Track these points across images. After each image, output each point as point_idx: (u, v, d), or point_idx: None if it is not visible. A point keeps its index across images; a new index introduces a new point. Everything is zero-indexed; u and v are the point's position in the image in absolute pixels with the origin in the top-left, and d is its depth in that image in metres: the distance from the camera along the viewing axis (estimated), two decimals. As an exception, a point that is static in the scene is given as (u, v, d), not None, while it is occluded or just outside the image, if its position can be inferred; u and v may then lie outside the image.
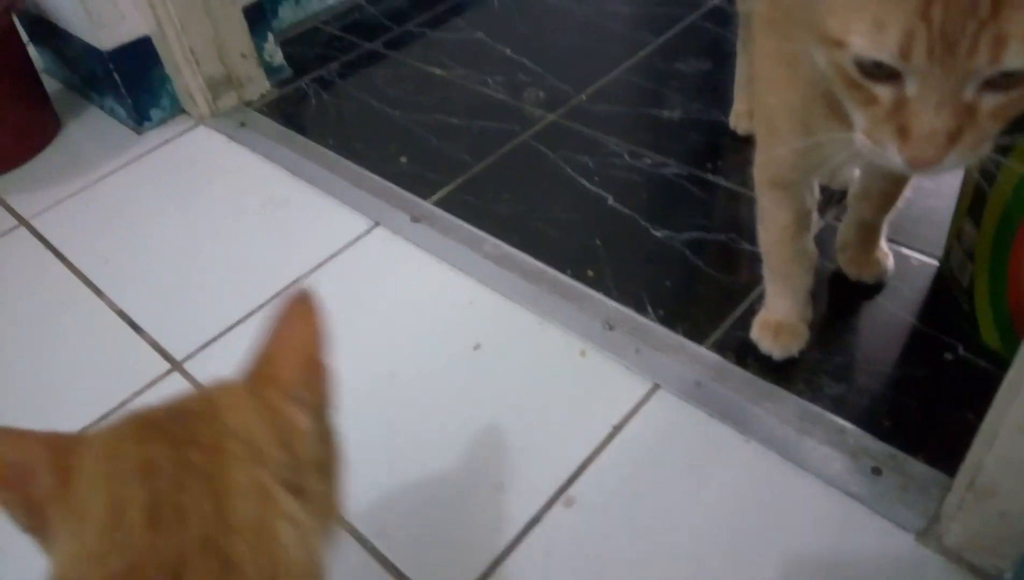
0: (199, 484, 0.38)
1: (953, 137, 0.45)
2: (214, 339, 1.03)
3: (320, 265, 1.11)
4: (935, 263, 0.96)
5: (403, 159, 1.29)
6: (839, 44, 0.47)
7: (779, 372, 0.87)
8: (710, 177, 1.17)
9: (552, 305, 1.00)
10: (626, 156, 1.23)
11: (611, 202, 1.16)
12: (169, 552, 0.36)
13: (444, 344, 0.97)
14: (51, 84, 1.52)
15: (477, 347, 0.96)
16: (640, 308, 0.98)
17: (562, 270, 1.05)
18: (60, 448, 0.40)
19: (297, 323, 0.50)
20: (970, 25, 0.41)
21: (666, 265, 1.05)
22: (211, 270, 1.13)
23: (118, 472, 0.39)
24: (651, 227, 1.11)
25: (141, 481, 0.38)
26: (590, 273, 1.05)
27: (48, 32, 1.44)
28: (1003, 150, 0.75)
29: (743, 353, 0.90)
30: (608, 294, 1.01)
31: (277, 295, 1.07)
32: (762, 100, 0.69)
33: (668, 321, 0.96)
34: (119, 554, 0.36)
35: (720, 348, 0.91)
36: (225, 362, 1.03)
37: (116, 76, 1.32)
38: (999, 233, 0.78)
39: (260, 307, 1.06)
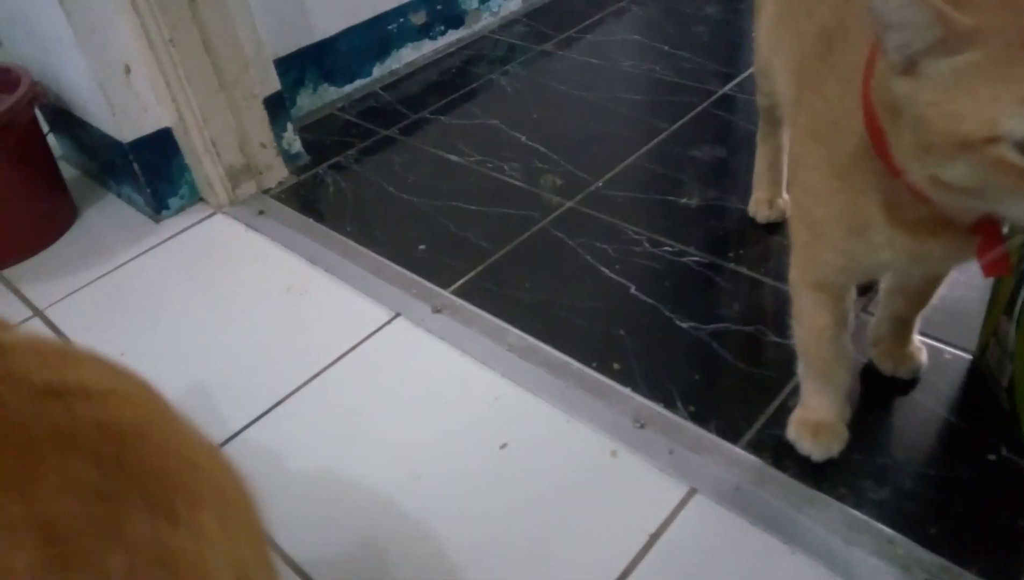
0: None
1: None
2: (234, 435, 1.00)
3: (341, 358, 1.09)
4: (968, 356, 0.95)
5: (422, 246, 1.29)
6: (990, 140, 0.46)
7: (819, 475, 0.85)
8: (732, 266, 1.16)
9: (579, 401, 0.97)
10: (646, 243, 1.23)
11: (633, 291, 1.15)
12: None
13: (470, 443, 0.95)
14: (68, 171, 1.54)
15: (504, 447, 0.93)
16: (670, 404, 0.96)
17: (587, 363, 1.03)
18: None
19: None
20: None
21: (694, 358, 1.03)
22: (230, 364, 1.11)
23: None
24: (676, 317, 1.10)
25: None
26: (616, 366, 1.03)
27: (68, 122, 1.46)
28: (1042, 252, 0.74)
29: (780, 454, 0.87)
30: (636, 389, 0.99)
31: (298, 390, 1.05)
32: (806, 208, 0.69)
33: (700, 418, 0.94)
34: None
35: (756, 448, 0.89)
36: (246, 458, 1.03)
37: (135, 166, 1.33)
38: (1041, 334, 0.77)
39: (281, 402, 1.04)
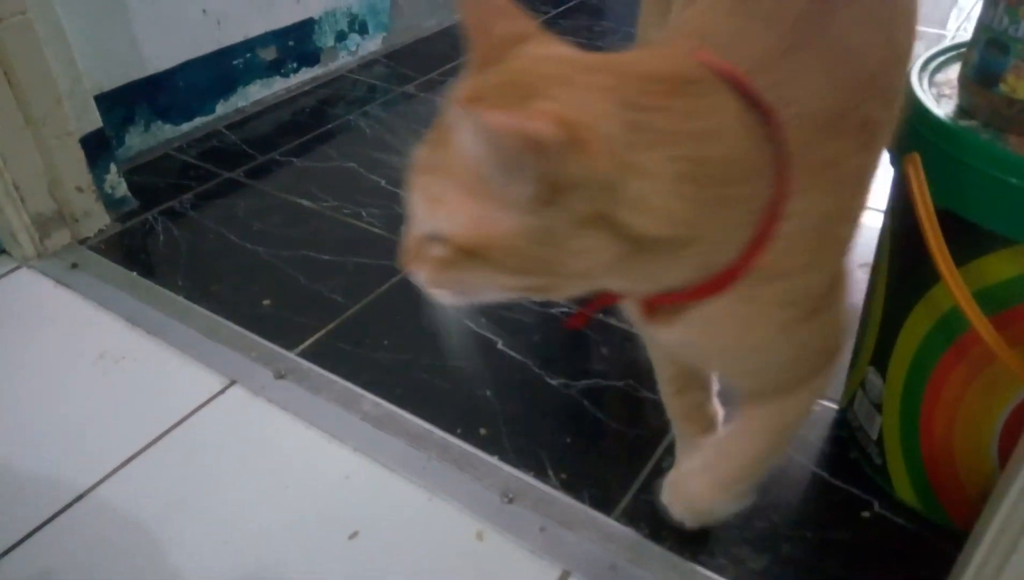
0: None
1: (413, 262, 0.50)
2: (26, 537, 0.82)
3: (163, 434, 0.94)
4: (834, 407, 0.94)
5: (266, 302, 1.16)
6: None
7: (696, 544, 0.79)
8: (600, 317, 1.11)
9: (442, 476, 0.88)
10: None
11: (501, 346, 1.07)
12: None
13: (316, 532, 0.82)
14: None
15: (355, 535, 0.81)
16: (541, 473, 0.88)
17: (452, 430, 0.94)
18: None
19: None
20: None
21: (565, 418, 0.97)
22: (33, 443, 0.93)
23: None
24: (545, 374, 1.03)
25: None
26: (483, 431, 0.94)
27: None
28: (906, 301, 0.73)
29: (657, 523, 0.81)
30: (504, 457, 0.90)
31: (110, 475, 0.89)
32: None
33: (572, 487, 0.86)
34: None
35: (631, 518, 0.82)
36: (47, 561, 0.84)
37: (-85, 213, 1.12)
38: (908, 386, 0.76)
39: (89, 491, 0.87)
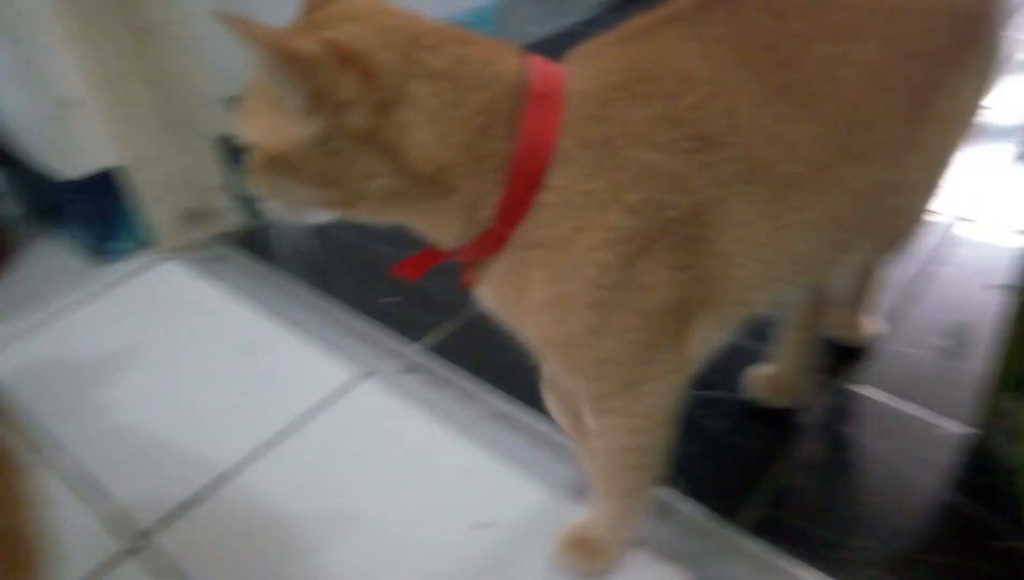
0: None
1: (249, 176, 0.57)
2: (188, 506, 0.90)
3: (303, 421, 1.01)
4: (965, 431, 0.92)
5: (391, 298, 1.22)
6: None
7: (824, 561, 0.80)
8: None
9: (562, 475, 0.91)
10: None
11: (615, 352, 1.09)
12: None
13: (444, 521, 0.87)
14: (4, 208, 1.42)
15: (480, 526, 0.86)
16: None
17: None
18: None
19: None
20: None
21: (682, 426, 0.98)
22: (185, 424, 1.01)
23: None
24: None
25: None
26: (600, 435, 0.97)
27: (5, 159, 1.34)
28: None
29: (780, 537, 0.82)
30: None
31: (254, 456, 0.96)
32: None
33: (692, 496, 0.88)
34: None
35: (755, 530, 0.83)
36: (197, 535, 0.92)
37: (77, 206, 1.23)
38: (1053, 417, 0.74)
39: (234, 469, 0.94)
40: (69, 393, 1.08)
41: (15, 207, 1.46)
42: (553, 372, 0.80)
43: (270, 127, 0.53)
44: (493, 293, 0.63)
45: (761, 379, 0.98)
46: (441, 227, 0.59)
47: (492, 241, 0.58)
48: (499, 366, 1.07)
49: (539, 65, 0.56)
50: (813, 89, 0.59)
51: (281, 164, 0.54)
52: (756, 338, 1.08)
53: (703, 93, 0.57)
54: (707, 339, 0.66)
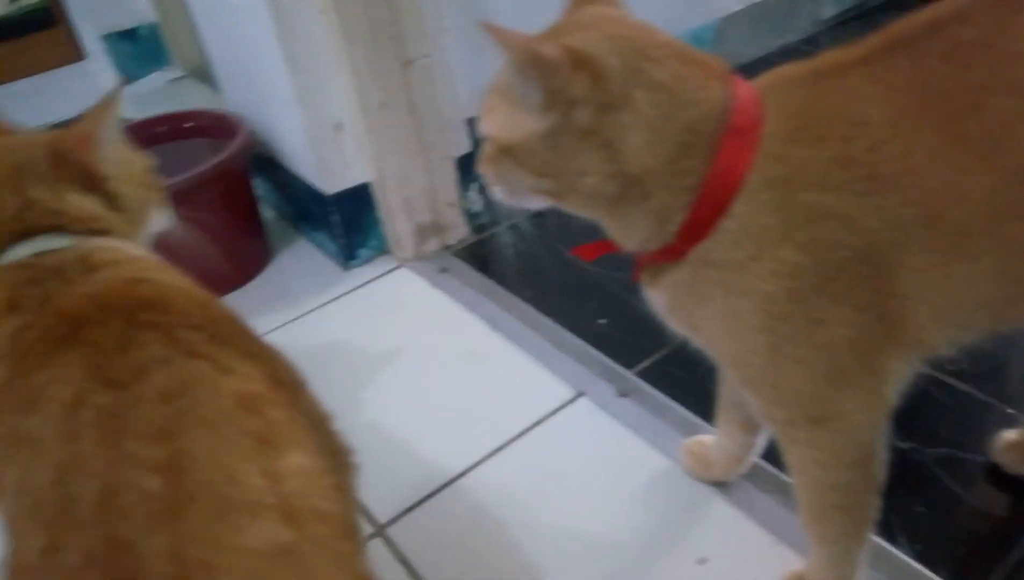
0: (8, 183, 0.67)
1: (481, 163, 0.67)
2: (417, 504, 0.99)
3: (521, 434, 1.07)
4: None
5: (602, 320, 1.26)
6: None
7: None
8: (950, 380, 1.05)
9: (785, 521, 0.90)
10: (851, 342, 1.14)
11: (839, 396, 1.06)
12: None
13: (665, 551, 0.89)
14: (265, 212, 1.62)
15: (702, 561, 0.87)
16: (891, 539, 0.86)
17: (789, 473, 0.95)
18: None
19: (94, 112, 0.69)
20: None
21: (916, 484, 0.93)
22: (416, 424, 1.11)
23: None
24: (893, 433, 0.99)
25: None
26: (822, 481, 0.94)
27: (273, 169, 1.54)
28: None
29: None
30: (848, 512, 0.90)
31: (481, 462, 1.03)
32: None
33: (928, 560, 0.83)
34: None
35: (1000, 606, 0.78)
36: (429, 530, 1.01)
37: (333, 217, 1.38)
38: None
39: (462, 474, 1.02)
40: (314, 384, 1.21)
41: (275, 210, 1.66)
42: (732, 385, 0.83)
43: (508, 121, 0.62)
44: (666, 297, 0.68)
45: (1009, 444, 0.91)
46: (630, 230, 0.64)
47: (671, 253, 0.63)
48: (708, 400, 1.07)
49: (743, 95, 0.60)
50: (992, 141, 0.58)
51: (511, 154, 0.62)
52: (1004, 399, 1.00)
53: (879, 137, 0.58)
54: (896, 379, 0.65)
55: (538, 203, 0.66)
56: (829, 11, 2.12)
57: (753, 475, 0.96)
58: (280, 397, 0.54)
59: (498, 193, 0.67)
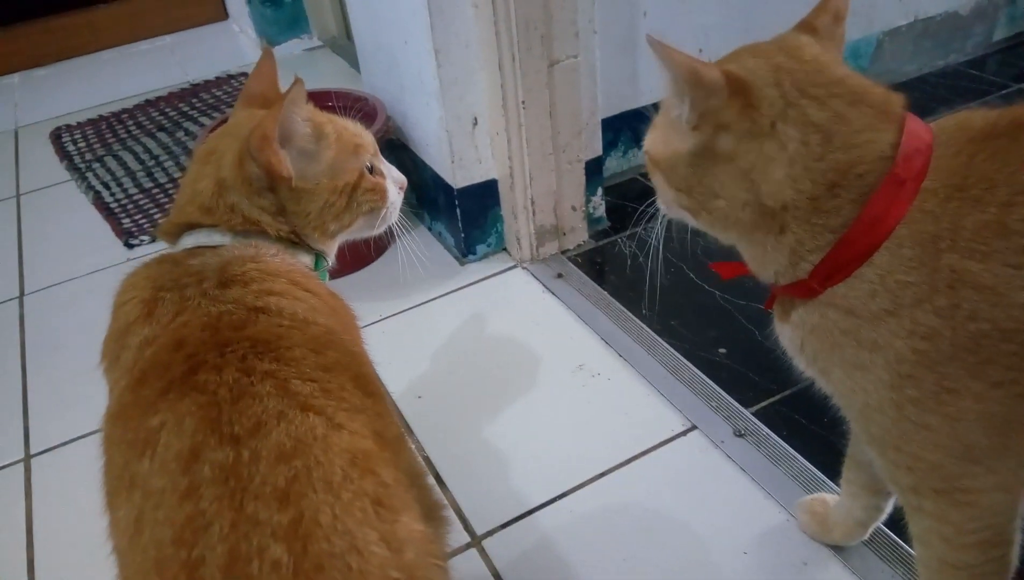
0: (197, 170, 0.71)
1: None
2: (514, 520, 0.98)
3: (628, 461, 1.04)
4: None
5: (722, 350, 1.21)
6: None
7: None
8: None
9: (909, 599, 0.84)
10: (997, 412, 1.05)
11: (978, 470, 0.98)
12: (181, 207, 0.70)
13: (771, 611, 0.85)
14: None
15: (813, 630, 0.82)
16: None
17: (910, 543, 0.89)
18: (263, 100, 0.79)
19: (276, 109, 0.66)
20: None
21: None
22: (521, 436, 1.10)
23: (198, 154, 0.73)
24: None
25: (194, 162, 0.72)
26: (953, 563, 0.88)
27: (403, 155, 1.55)
28: None
29: None
30: (982, 603, 0.83)
31: (583, 485, 1.01)
32: None
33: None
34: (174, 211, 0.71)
35: None
36: (523, 547, 1.00)
37: (458, 210, 1.38)
38: None
39: (563, 495, 1.00)
40: (419, 379, 1.22)
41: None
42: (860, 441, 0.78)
43: (661, 135, 0.64)
44: (796, 335, 0.66)
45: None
46: (762, 260, 0.63)
47: (804, 290, 0.61)
48: (831, 453, 1.02)
49: (911, 143, 0.57)
50: None
51: (659, 167, 0.65)
52: None
53: None
54: None
55: (688, 218, 0.67)
56: (1000, 33, 1.96)
57: (874, 541, 0.90)
58: (387, 454, 0.53)
59: (658, 202, 0.70)
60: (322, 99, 1.53)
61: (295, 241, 0.70)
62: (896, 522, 0.92)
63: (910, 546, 0.88)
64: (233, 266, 0.63)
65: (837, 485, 0.97)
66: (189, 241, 0.66)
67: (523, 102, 1.23)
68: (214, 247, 0.66)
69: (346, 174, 0.73)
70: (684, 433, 1.07)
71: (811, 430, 1.06)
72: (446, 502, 0.65)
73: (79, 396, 1.19)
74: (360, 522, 0.46)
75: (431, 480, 0.65)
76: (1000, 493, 0.61)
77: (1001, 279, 0.54)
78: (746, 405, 1.10)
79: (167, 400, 0.52)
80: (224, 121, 0.85)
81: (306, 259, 0.72)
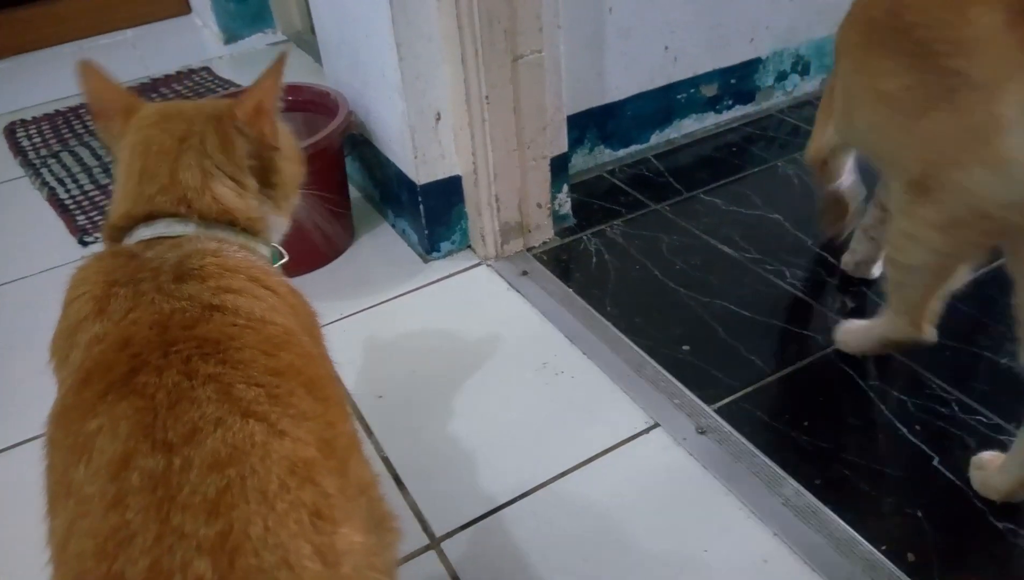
0: (165, 159, 0.67)
1: None
2: (474, 521, 0.97)
3: (589, 460, 1.03)
4: None
5: (686, 347, 1.20)
6: None
7: None
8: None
9: (866, 594, 0.84)
10: (955, 406, 1.06)
11: (936, 464, 0.99)
12: (145, 198, 0.66)
13: (732, 610, 0.84)
14: (352, 193, 1.61)
15: (774, 628, 0.82)
16: (986, 634, 0.80)
17: (877, 544, 0.89)
18: (129, 105, 0.70)
19: (266, 80, 0.69)
20: None
21: (1012, 569, 0.86)
22: (482, 436, 1.08)
23: (139, 140, 0.68)
24: (989, 512, 0.92)
25: (142, 153, 0.67)
26: (911, 556, 0.88)
27: (365, 151, 1.53)
28: None
29: None
30: (937, 596, 0.84)
31: (544, 484, 1.00)
32: None
33: (1025, 665, 0.77)
34: (123, 202, 0.67)
35: None
36: (483, 548, 0.99)
37: (420, 207, 1.36)
38: None
39: (524, 495, 0.99)
40: (379, 379, 1.20)
41: (360, 191, 1.65)
42: None
43: None
44: None
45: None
46: None
47: None
48: (795, 450, 1.02)
49: None
50: None
51: None
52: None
53: None
54: None
55: None
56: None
57: (834, 537, 0.90)
58: (332, 463, 0.51)
59: None
60: (284, 93, 1.51)
61: (256, 231, 0.68)
62: (859, 519, 0.92)
63: (872, 544, 0.89)
64: (192, 260, 0.61)
65: (798, 481, 0.98)
66: (145, 232, 0.64)
67: (487, 97, 1.22)
68: (174, 238, 0.64)
69: (294, 141, 0.78)
70: (647, 431, 1.07)
71: (772, 426, 1.06)
72: (397, 514, 0.62)
73: (33, 397, 1.15)
74: (294, 534, 0.44)
75: (382, 491, 0.62)
76: None
77: None
78: (708, 402, 1.10)
79: (106, 403, 0.50)
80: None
81: (266, 252, 0.70)
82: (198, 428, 0.47)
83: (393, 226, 1.54)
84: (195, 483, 0.44)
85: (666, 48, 1.59)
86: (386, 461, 1.06)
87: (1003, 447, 0.99)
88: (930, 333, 0.98)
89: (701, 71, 1.67)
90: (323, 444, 0.51)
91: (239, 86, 2.15)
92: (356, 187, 1.64)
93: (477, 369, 1.20)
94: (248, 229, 0.67)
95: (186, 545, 0.42)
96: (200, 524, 0.43)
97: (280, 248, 0.75)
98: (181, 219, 0.64)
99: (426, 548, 0.94)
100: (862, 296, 1.27)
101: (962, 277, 0.92)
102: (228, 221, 0.66)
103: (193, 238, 0.63)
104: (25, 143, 2.01)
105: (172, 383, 0.49)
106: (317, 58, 2.11)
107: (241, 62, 2.41)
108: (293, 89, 1.50)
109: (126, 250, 0.62)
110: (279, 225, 0.75)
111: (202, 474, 0.45)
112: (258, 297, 0.61)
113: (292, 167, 0.75)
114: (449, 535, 0.95)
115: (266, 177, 0.71)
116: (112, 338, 0.54)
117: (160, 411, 0.48)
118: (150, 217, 0.64)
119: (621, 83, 1.59)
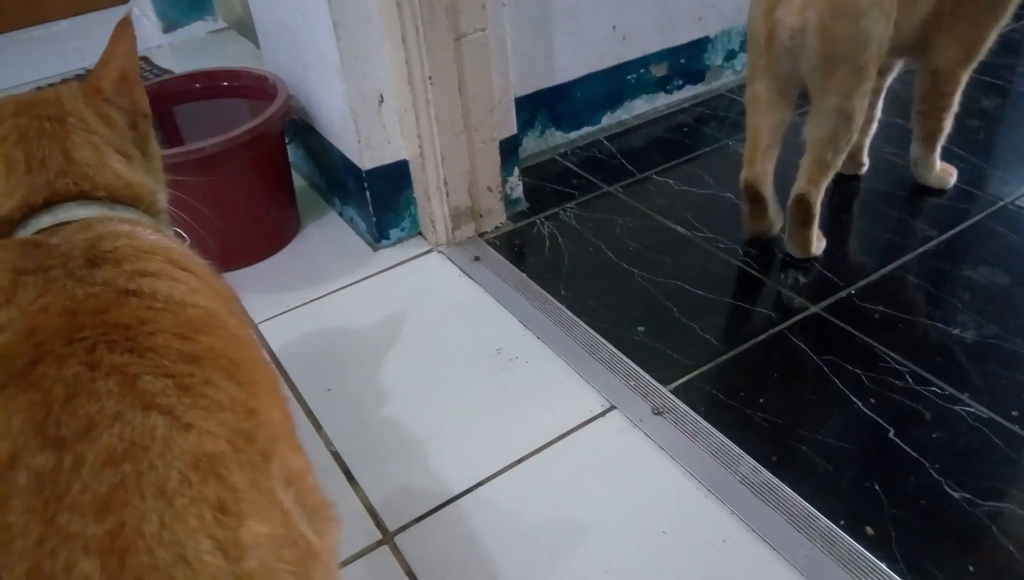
0: (53, 142, 0.63)
1: None
2: (429, 513, 0.94)
3: (545, 446, 1.01)
4: None
5: (640, 328, 1.19)
6: None
7: None
8: (1018, 430, 0.97)
9: (826, 570, 0.83)
10: (909, 378, 1.06)
11: (892, 436, 0.98)
12: (40, 184, 0.61)
13: (693, 592, 0.83)
14: (296, 181, 1.56)
15: (734, 608, 0.81)
16: (940, 601, 0.80)
17: (835, 519, 0.89)
18: None
19: (120, 46, 0.68)
20: None
21: (967, 540, 0.86)
22: (435, 426, 1.05)
23: (6, 131, 0.63)
24: (946, 482, 0.92)
25: (17, 142, 0.63)
26: (869, 530, 0.88)
27: (308, 137, 1.48)
28: None
29: None
30: (895, 567, 0.83)
31: (500, 472, 0.98)
32: None
33: (982, 632, 0.77)
34: (12, 194, 0.61)
35: None
36: (439, 541, 0.96)
37: (367, 193, 1.32)
38: None
39: (480, 484, 0.96)
40: (328, 372, 1.16)
41: (306, 179, 1.60)
42: None
43: None
44: None
45: None
46: None
47: None
48: (751, 428, 1.01)
49: None
50: None
51: None
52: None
53: None
54: None
55: None
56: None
57: (791, 514, 0.89)
58: (245, 456, 0.48)
59: None
60: (217, 78, 1.45)
61: (156, 211, 0.64)
62: (816, 495, 0.91)
63: (829, 519, 0.89)
64: (104, 242, 0.57)
65: (755, 459, 0.97)
66: (45, 220, 0.59)
67: (430, 78, 1.18)
68: (79, 221, 0.59)
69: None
70: (603, 414, 1.04)
71: (728, 405, 1.05)
72: (333, 501, 0.59)
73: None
74: (193, 530, 0.41)
75: (315, 479, 0.58)
76: None
77: None
78: (664, 383, 1.09)
79: (4, 396, 0.46)
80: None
81: (171, 234, 0.66)
82: (94, 423, 0.43)
83: (340, 214, 1.49)
84: (86, 481, 0.41)
85: (614, 27, 1.57)
86: (336, 455, 1.02)
87: (959, 419, 0.99)
88: None
89: (650, 51, 1.65)
90: (238, 435, 0.47)
91: (178, 75, 2.07)
92: (301, 175, 1.59)
93: (429, 357, 1.16)
94: (149, 210, 0.63)
95: (71, 546, 0.39)
96: (88, 523, 0.39)
97: (181, 232, 0.71)
98: (84, 202, 0.59)
99: (379, 543, 0.91)
100: (814, 271, 1.26)
101: None
102: (131, 198, 0.61)
103: (103, 220, 0.58)
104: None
105: (71, 375, 0.45)
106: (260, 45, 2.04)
107: (181, 51, 2.33)
108: (230, 75, 1.45)
109: (29, 240, 0.58)
110: (163, 201, 0.72)
111: (94, 471, 0.41)
112: (177, 280, 0.57)
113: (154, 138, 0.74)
114: (403, 529, 0.92)
115: (144, 147, 0.69)
116: (18, 326, 0.50)
117: (55, 405, 0.44)
118: (49, 203, 0.59)
119: (570, 64, 1.56)
